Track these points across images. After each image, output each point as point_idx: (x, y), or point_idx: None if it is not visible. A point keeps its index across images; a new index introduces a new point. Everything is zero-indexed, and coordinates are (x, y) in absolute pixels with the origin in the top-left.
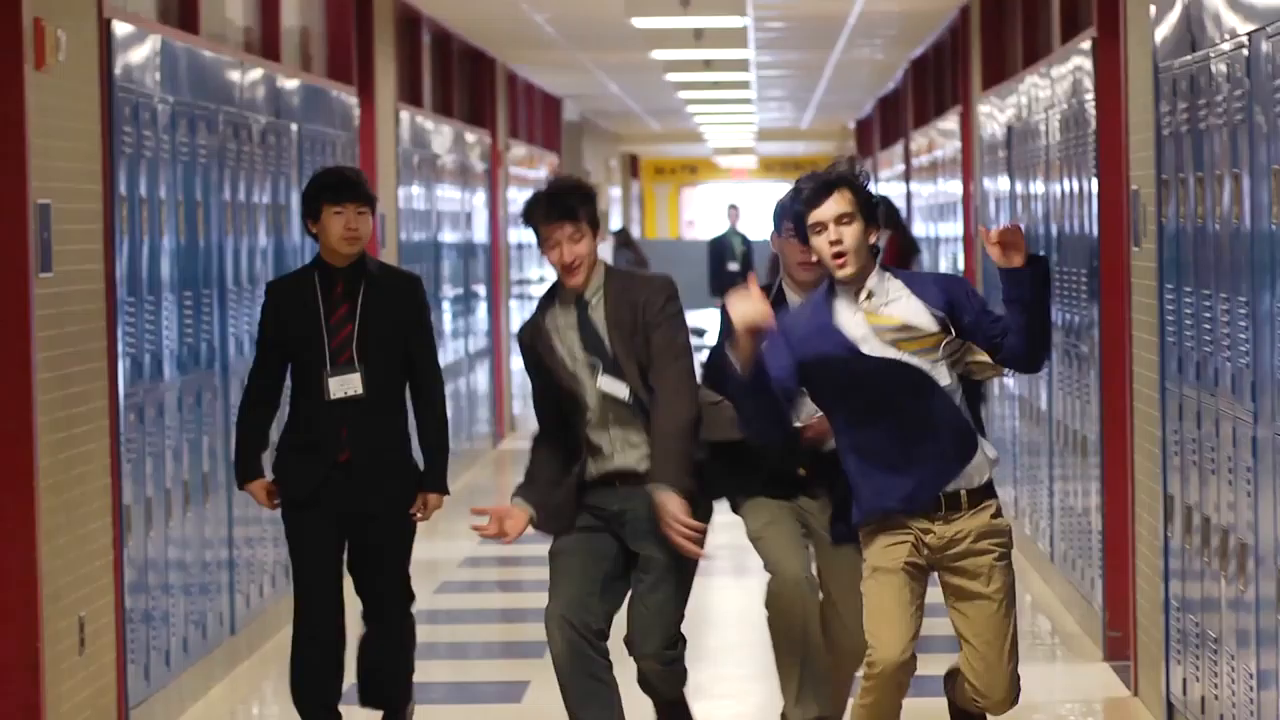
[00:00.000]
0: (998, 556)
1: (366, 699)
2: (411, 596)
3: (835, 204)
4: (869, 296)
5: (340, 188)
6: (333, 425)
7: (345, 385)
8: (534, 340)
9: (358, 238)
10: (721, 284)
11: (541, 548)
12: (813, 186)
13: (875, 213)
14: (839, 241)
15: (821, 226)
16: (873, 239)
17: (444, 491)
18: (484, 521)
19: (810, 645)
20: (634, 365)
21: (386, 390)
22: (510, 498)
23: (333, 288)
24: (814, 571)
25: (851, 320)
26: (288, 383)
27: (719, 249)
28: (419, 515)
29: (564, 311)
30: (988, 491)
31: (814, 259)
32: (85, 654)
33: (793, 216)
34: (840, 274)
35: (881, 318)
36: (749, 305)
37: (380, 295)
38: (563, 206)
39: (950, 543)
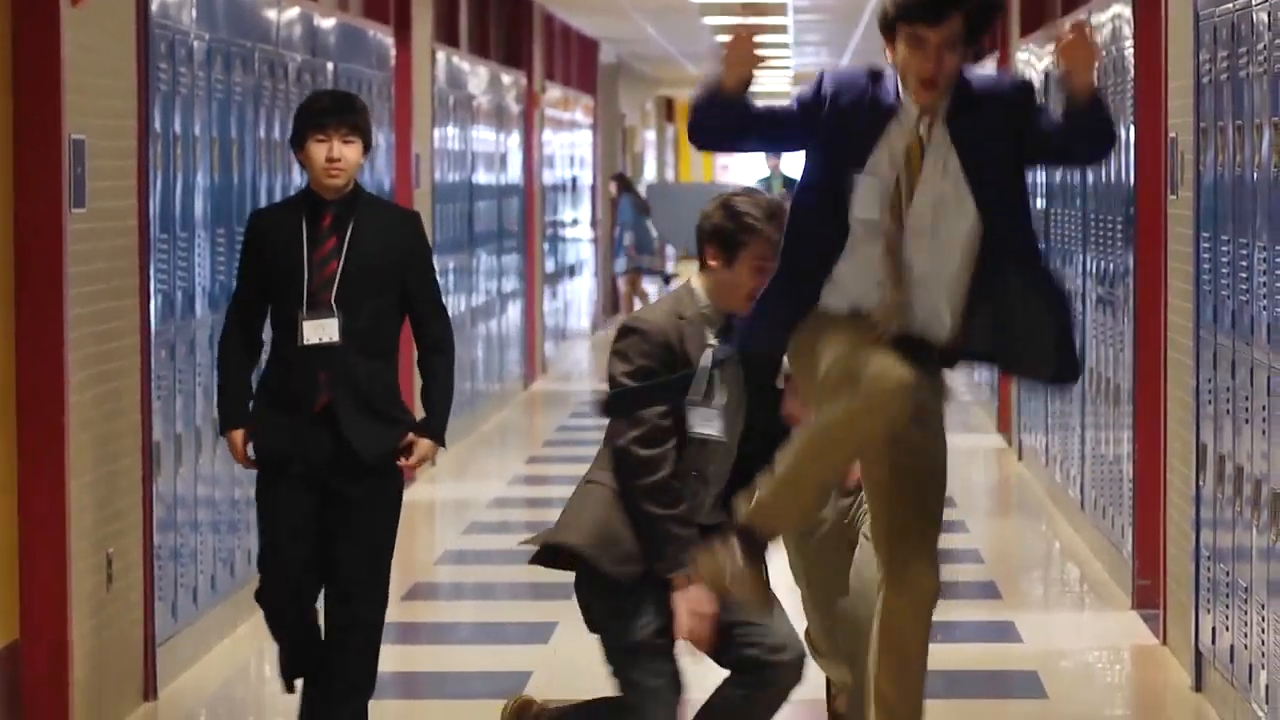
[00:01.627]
0: None
1: (319, 696)
2: (385, 599)
3: (947, 27)
4: (929, 127)
5: (324, 113)
6: (310, 372)
7: (320, 330)
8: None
9: (341, 169)
10: None
11: (567, 489)
12: None
13: (980, 39)
14: (935, 66)
15: (921, 42)
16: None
17: (439, 441)
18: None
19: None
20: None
21: (375, 333)
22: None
23: (319, 221)
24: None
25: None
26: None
27: None
28: (406, 460)
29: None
30: None
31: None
32: (113, 590)
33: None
34: (918, 99)
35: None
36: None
37: (373, 231)
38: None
39: None
